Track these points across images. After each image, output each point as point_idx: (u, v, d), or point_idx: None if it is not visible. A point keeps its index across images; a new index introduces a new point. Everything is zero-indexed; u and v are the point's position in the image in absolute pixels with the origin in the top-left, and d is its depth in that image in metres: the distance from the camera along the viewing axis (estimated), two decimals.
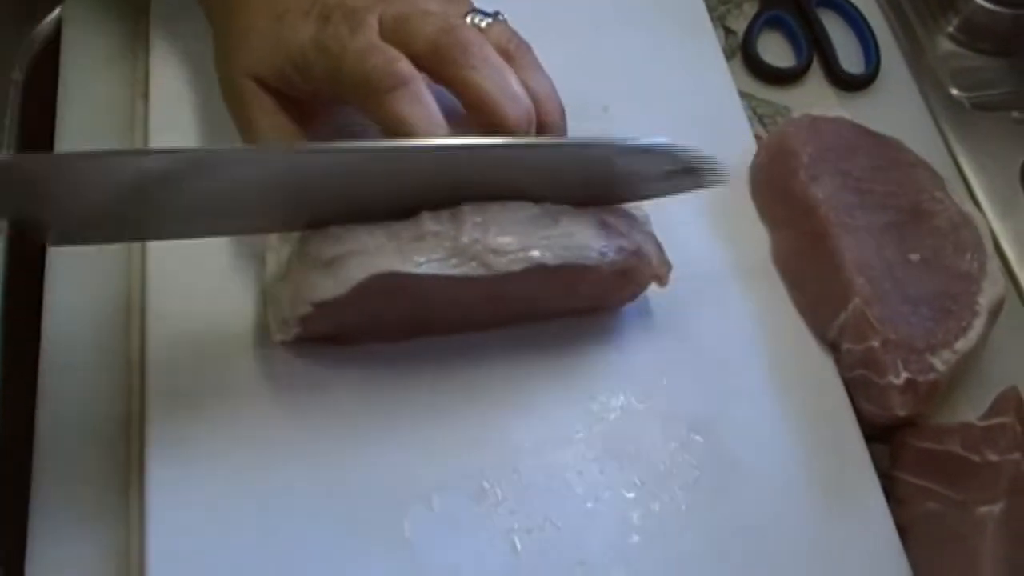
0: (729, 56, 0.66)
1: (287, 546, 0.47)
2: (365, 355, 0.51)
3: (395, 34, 0.48)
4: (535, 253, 0.46)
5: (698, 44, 0.64)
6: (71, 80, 0.62)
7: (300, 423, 0.50)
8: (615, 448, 0.51)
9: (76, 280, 0.54)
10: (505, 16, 0.52)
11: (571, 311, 0.53)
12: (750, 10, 0.69)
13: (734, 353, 0.54)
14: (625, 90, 0.61)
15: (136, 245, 0.55)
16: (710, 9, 0.66)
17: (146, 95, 0.60)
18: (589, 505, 0.49)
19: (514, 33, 0.51)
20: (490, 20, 0.51)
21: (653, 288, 0.53)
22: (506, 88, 0.48)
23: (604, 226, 0.49)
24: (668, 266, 0.52)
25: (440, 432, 0.50)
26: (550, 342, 0.53)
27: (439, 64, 0.47)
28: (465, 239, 0.45)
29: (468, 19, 0.50)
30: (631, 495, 0.50)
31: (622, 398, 0.52)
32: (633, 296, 0.53)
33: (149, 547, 0.46)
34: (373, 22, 0.48)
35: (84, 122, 0.60)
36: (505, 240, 0.46)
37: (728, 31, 0.68)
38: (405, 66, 0.47)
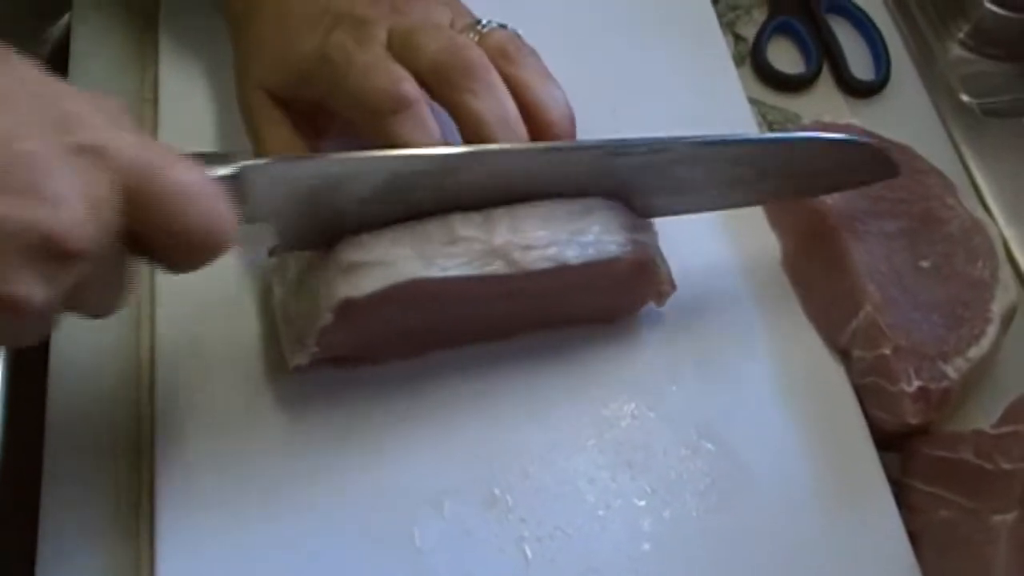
0: (739, 63, 0.66)
1: (297, 556, 0.47)
2: (374, 369, 0.51)
3: (402, 49, 0.47)
4: (559, 250, 0.46)
5: (707, 50, 0.64)
6: (80, 85, 0.61)
7: (309, 436, 0.50)
8: (626, 455, 0.51)
9: None
10: (518, 31, 0.51)
11: (584, 314, 0.53)
12: (759, 16, 0.69)
13: (744, 360, 0.54)
14: (634, 94, 0.61)
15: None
16: (719, 15, 0.66)
17: (155, 101, 0.60)
18: (600, 513, 0.49)
19: (519, 40, 0.50)
20: (495, 27, 0.50)
21: None
22: (503, 117, 0.47)
23: (628, 221, 0.49)
24: (672, 286, 0.52)
25: (451, 439, 0.50)
26: (560, 351, 0.53)
27: (439, 84, 0.47)
28: (498, 241, 0.45)
29: (473, 28, 0.50)
30: (642, 503, 0.50)
31: (633, 405, 0.52)
32: (640, 303, 0.53)
33: (160, 563, 0.46)
34: (382, 35, 0.47)
35: None
36: (536, 235, 0.46)
37: (738, 37, 0.68)
38: (409, 87, 0.46)
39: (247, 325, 0.52)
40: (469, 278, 0.45)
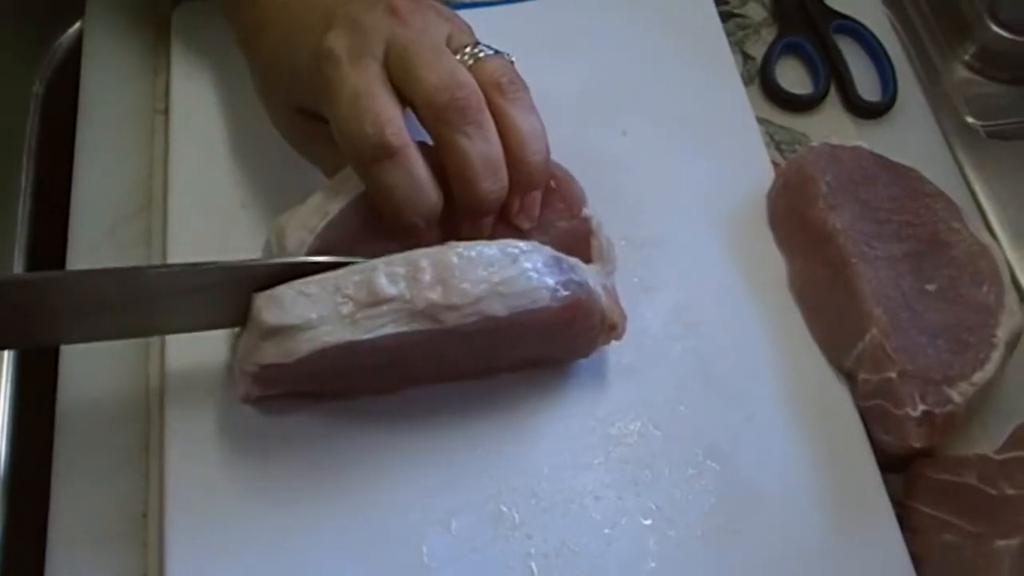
0: (747, 82, 0.66)
1: (306, 572, 0.47)
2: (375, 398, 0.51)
3: (400, 72, 0.47)
4: (486, 306, 0.45)
5: (716, 70, 0.64)
6: (91, 94, 0.62)
7: (318, 456, 0.50)
8: (632, 474, 0.51)
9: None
10: (514, 59, 0.50)
11: (538, 356, 0.52)
12: (768, 36, 0.69)
13: (750, 381, 0.54)
14: (644, 115, 0.61)
15: None
16: (728, 34, 0.66)
17: (166, 110, 0.60)
18: (606, 530, 0.49)
19: (512, 70, 0.49)
20: (491, 53, 0.49)
21: (673, 314, 0.53)
22: (488, 159, 0.47)
23: (557, 264, 0.48)
24: (622, 316, 0.51)
25: (458, 457, 0.50)
26: (566, 371, 0.53)
27: (432, 119, 0.47)
28: (421, 304, 0.45)
29: (469, 50, 0.49)
30: (648, 521, 0.50)
31: (639, 425, 0.52)
32: (586, 346, 0.52)
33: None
34: (378, 49, 0.47)
35: (103, 136, 0.61)
36: (459, 294, 0.45)
37: (746, 57, 0.68)
38: (394, 135, 0.45)
39: None
40: (398, 335, 0.45)
